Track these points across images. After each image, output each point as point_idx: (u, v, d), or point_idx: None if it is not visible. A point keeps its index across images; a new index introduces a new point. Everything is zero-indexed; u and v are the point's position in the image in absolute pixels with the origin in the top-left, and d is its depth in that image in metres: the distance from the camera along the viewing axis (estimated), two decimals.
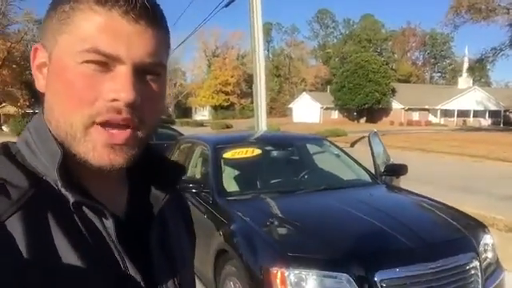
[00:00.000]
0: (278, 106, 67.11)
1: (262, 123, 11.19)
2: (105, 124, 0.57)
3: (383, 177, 4.41)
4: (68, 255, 0.54)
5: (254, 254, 2.81)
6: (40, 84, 0.62)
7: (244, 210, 3.33)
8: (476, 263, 2.76)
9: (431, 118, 50.72)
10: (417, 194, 3.86)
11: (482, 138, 25.04)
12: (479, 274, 2.75)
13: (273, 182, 4.13)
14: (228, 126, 38.53)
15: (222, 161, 4.09)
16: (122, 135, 0.57)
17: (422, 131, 34.07)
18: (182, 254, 0.76)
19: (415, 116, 50.36)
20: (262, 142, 4.88)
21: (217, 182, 3.80)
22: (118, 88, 0.56)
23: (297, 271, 2.50)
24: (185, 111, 72.61)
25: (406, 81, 66.92)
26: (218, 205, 3.54)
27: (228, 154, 4.18)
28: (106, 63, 0.56)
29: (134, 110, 0.57)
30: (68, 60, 0.56)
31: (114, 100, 0.56)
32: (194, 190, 3.85)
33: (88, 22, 0.56)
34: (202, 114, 68.24)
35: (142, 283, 0.61)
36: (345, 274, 2.48)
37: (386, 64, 57.22)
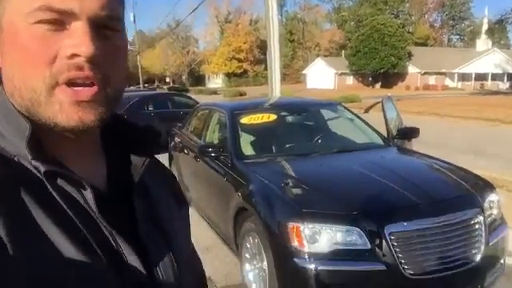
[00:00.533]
0: (292, 73, 66.49)
1: (276, 90, 11.27)
2: (68, 83, 0.54)
3: (395, 140, 4.55)
4: (50, 231, 0.52)
5: (272, 211, 3.04)
6: None
7: (261, 171, 3.54)
8: (480, 218, 2.93)
9: (448, 82, 49.84)
10: (426, 156, 4.02)
11: (500, 101, 24.67)
12: (483, 228, 2.92)
13: (288, 145, 4.32)
14: (241, 94, 38.47)
15: (238, 126, 4.28)
16: (88, 91, 0.55)
17: (439, 96, 33.62)
18: (174, 226, 0.73)
19: (432, 80, 49.51)
20: (277, 107, 5.04)
21: (235, 145, 4.01)
22: (76, 43, 0.53)
23: (311, 225, 2.72)
24: (198, 79, 72.48)
25: (423, 44, 65.39)
26: (237, 167, 3.75)
27: (245, 120, 4.37)
28: (60, 21, 0.53)
29: (95, 66, 0.55)
30: (19, 23, 0.53)
31: (74, 55, 0.53)
32: (212, 154, 4.07)
33: None
34: (216, 82, 68.09)
35: (135, 255, 0.59)
36: (356, 228, 2.69)
37: (403, 27, 55.81)
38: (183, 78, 71.38)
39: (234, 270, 3.88)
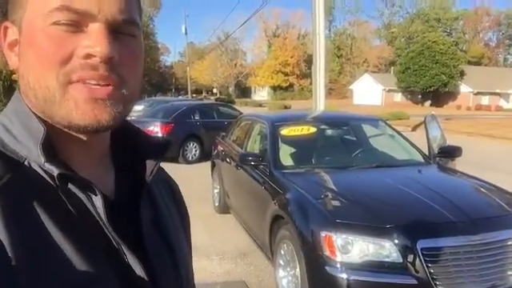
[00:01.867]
0: (338, 88, 66.03)
1: (320, 104, 11.30)
2: (83, 82, 0.54)
3: (437, 159, 4.51)
4: (56, 236, 0.52)
5: (306, 220, 3.13)
6: (12, 61, 0.60)
7: (298, 181, 3.64)
8: None
9: (502, 102, 47.75)
10: (466, 175, 3.97)
11: None
12: None
13: (326, 158, 4.40)
14: (286, 107, 38.57)
15: (279, 137, 4.41)
16: (104, 90, 0.55)
17: (491, 116, 32.28)
18: (178, 236, 0.74)
19: (484, 100, 47.62)
20: (317, 120, 5.14)
21: (274, 155, 4.14)
22: (93, 44, 0.53)
23: (344, 236, 2.78)
24: (244, 91, 73.42)
25: (477, 63, 63.17)
26: (275, 176, 3.88)
27: (285, 131, 4.49)
28: (77, 22, 0.54)
29: (111, 67, 0.55)
30: (37, 23, 0.54)
31: (89, 55, 0.53)
32: (252, 163, 4.22)
33: None
34: (261, 95, 68.72)
35: (139, 264, 0.59)
36: (388, 241, 2.73)
37: (456, 45, 54.35)
38: (230, 89, 72.51)
39: (269, 275, 3.98)
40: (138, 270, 0.59)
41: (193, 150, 10.67)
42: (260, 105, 45.07)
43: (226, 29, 57.57)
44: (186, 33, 43.69)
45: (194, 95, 56.20)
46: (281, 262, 3.46)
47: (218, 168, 6.13)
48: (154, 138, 0.72)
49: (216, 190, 6.19)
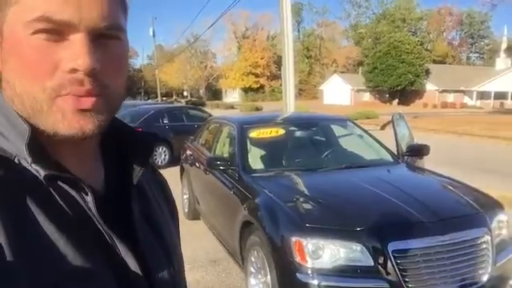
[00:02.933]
0: (309, 88, 66.61)
1: (291, 105, 11.30)
2: (70, 95, 0.55)
3: (406, 157, 4.52)
4: (50, 232, 0.53)
5: (276, 225, 3.04)
6: None
7: (267, 185, 3.56)
8: (487, 238, 2.88)
9: (467, 100, 49.23)
10: (435, 173, 3.98)
11: None
12: (490, 248, 2.88)
13: (296, 160, 4.33)
14: (258, 109, 38.59)
15: (247, 140, 4.31)
16: (89, 101, 0.56)
17: (457, 114, 33.24)
18: (170, 230, 0.75)
19: (450, 98, 48.96)
20: (286, 122, 5.07)
21: (242, 159, 4.04)
22: (75, 56, 0.53)
23: (314, 241, 2.71)
24: (215, 93, 73.14)
25: (442, 62, 64.97)
26: (244, 180, 3.78)
27: (253, 134, 4.40)
28: (59, 31, 0.53)
29: (95, 77, 0.55)
30: (19, 32, 0.53)
31: (73, 70, 0.53)
32: (221, 167, 4.11)
33: None
34: (233, 96, 68.58)
35: (133, 258, 0.60)
36: (359, 244, 2.68)
37: (421, 44, 55.67)
38: (201, 91, 72.07)
39: (240, 283, 3.88)
40: (132, 264, 0.60)
41: (162, 154, 10.46)
42: (232, 107, 44.98)
43: (195, 31, 57.30)
44: (153, 35, 43.09)
45: (165, 98, 55.60)
46: (252, 269, 3.36)
47: (187, 173, 5.99)
48: (140, 134, 0.73)
49: (185, 196, 6.04)
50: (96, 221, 0.58)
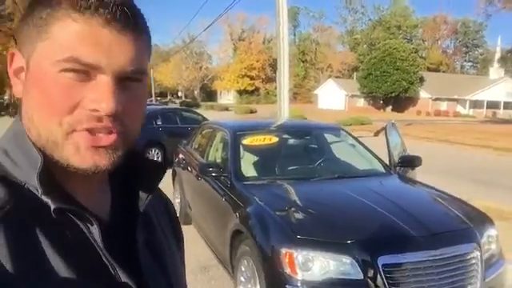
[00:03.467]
0: (303, 92, 66.80)
1: (285, 109, 11.32)
2: (87, 130, 0.56)
3: (398, 168, 4.53)
4: (56, 263, 0.53)
5: (267, 236, 3.03)
6: (17, 89, 0.61)
7: (260, 194, 3.54)
8: (477, 253, 2.89)
9: (460, 108, 49.61)
10: (427, 186, 3.99)
11: (511, 130, 24.49)
12: (479, 263, 2.88)
13: (289, 168, 4.32)
14: (252, 111, 38.68)
15: (241, 147, 4.30)
16: (106, 138, 0.57)
17: (449, 122, 33.49)
18: (174, 259, 0.76)
19: (443, 106, 49.36)
20: (280, 130, 5.06)
21: (235, 166, 4.03)
22: (99, 98, 0.55)
23: (304, 252, 2.70)
24: (210, 94, 73.04)
25: (436, 70, 65.48)
26: (236, 188, 3.76)
27: (247, 141, 4.39)
28: (85, 72, 0.55)
29: (115, 118, 0.56)
30: (46, 68, 0.55)
31: (95, 110, 0.55)
32: (213, 174, 4.09)
33: (67, 31, 0.54)
34: (227, 98, 68.54)
35: (133, 285, 0.60)
36: (349, 257, 2.67)
37: (416, 52, 56.09)
38: (195, 92, 71.95)
39: None
40: None
41: (155, 156, 10.40)
42: (226, 108, 44.97)
43: (191, 31, 57.21)
44: None
45: (159, 98, 55.40)
46: (242, 278, 3.34)
47: (180, 177, 5.96)
48: (149, 162, 0.73)
49: (177, 200, 6.01)
50: (100, 252, 0.58)
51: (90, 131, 0.56)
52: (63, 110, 0.55)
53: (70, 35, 0.54)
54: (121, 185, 0.70)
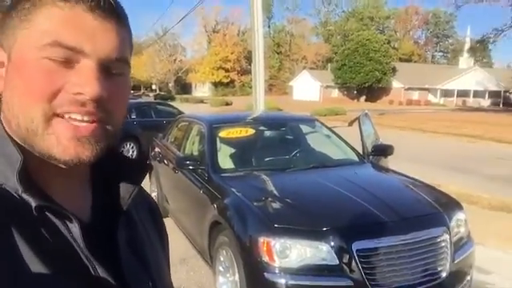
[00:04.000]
0: (279, 84, 66.96)
1: (260, 101, 11.37)
2: (67, 116, 0.55)
3: (371, 157, 4.66)
4: (34, 264, 0.52)
5: (244, 225, 3.09)
6: None
7: (237, 185, 3.59)
8: (446, 236, 3.02)
9: (431, 97, 50.80)
10: (399, 173, 4.13)
11: (480, 118, 25.27)
12: (449, 246, 3.02)
13: (265, 160, 4.38)
14: (228, 103, 38.59)
15: (217, 139, 4.33)
16: (88, 127, 0.56)
17: (421, 111, 34.24)
18: (156, 256, 0.74)
19: (415, 95, 50.40)
20: (256, 122, 5.11)
21: (212, 159, 4.06)
22: (83, 82, 0.54)
23: (282, 240, 2.77)
24: (184, 87, 72.37)
25: (408, 60, 66.66)
26: (213, 180, 3.80)
27: (223, 133, 4.43)
28: (69, 57, 0.54)
29: (98, 104, 0.55)
30: (29, 55, 0.54)
31: (78, 94, 0.54)
32: (190, 167, 4.12)
33: (51, 17, 0.54)
34: (202, 91, 68.10)
35: (114, 285, 0.59)
36: (325, 244, 2.76)
37: (388, 43, 56.96)
38: (170, 85, 71.15)
39: (209, 281, 3.91)
40: None
41: (130, 150, 10.31)
42: (201, 101, 44.71)
43: (165, 24, 56.47)
44: None
45: (132, 92, 54.59)
46: (220, 268, 3.40)
47: (156, 171, 5.94)
48: (131, 160, 0.73)
49: (154, 194, 6.00)
50: (80, 252, 0.57)
51: (71, 116, 0.55)
52: (45, 95, 0.54)
53: (54, 21, 0.54)
54: (102, 184, 0.69)
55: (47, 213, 0.56)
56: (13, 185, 0.54)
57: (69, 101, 0.54)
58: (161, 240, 0.81)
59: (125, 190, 0.68)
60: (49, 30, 0.54)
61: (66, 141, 0.55)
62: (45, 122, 0.54)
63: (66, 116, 0.55)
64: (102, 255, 0.59)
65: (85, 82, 0.54)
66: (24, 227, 0.53)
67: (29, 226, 0.54)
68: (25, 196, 0.54)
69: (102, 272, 0.58)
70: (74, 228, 0.57)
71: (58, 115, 0.55)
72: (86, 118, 0.55)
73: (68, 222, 0.57)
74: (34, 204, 0.54)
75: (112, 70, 0.58)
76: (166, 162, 5.47)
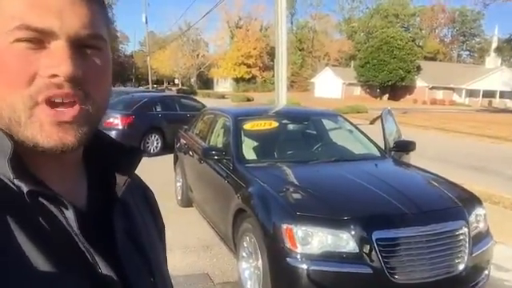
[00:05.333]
0: (300, 80, 66.67)
1: (282, 97, 11.45)
2: (48, 102, 0.54)
3: (393, 152, 4.72)
4: (31, 252, 0.51)
5: (268, 213, 3.22)
6: None
7: (261, 175, 3.73)
8: (465, 230, 3.09)
9: (456, 97, 49.87)
10: (420, 169, 4.19)
11: (506, 119, 24.76)
12: (467, 239, 3.09)
13: (288, 152, 4.51)
14: (249, 99, 38.66)
15: (242, 131, 4.48)
16: (69, 112, 0.55)
17: (445, 110, 33.70)
18: (153, 244, 0.74)
19: (439, 95, 49.59)
20: (280, 115, 5.24)
21: (237, 150, 4.21)
22: (56, 63, 0.53)
23: (304, 228, 2.90)
24: (206, 82, 72.86)
25: (433, 58, 65.53)
26: (238, 170, 3.95)
27: (248, 126, 4.57)
28: (39, 40, 0.53)
29: (76, 84, 0.54)
30: (0, 42, 0.53)
31: (54, 76, 0.53)
32: (216, 157, 4.27)
33: (15, 1, 0.53)
34: (224, 86, 68.39)
35: (112, 274, 0.58)
36: (346, 232, 2.87)
37: (413, 41, 56.19)
38: (192, 80, 71.74)
39: (232, 267, 4.07)
40: (113, 282, 0.58)
41: (154, 142, 10.57)
42: (223, 96, 44.93)
43: (188, 19, 56.85)
44: (146, 22, 42.68)
45: (155, 86, 55.29)
46: (243, 254, 3.54)
47: (181, 161, 6.13)
48: (124, 147, 0.71)
49: (179, 184, 6.20)
50: (77, 238, 0.56)
51: (51, 103, 0.54)
52: (22, 81, 0.53)
53: (19, 4, 0.52)
54: (98, 172, 0.68)
55: (41, 199, 0.55)
56: (5, 172, 0.54)
57: (46, 85, 0.53)
58: (158, 231, 0.81)
59: (120, 177, 0.67)
60: (15, 13, 0.52)
61: (48, 126, 0.54)
62: (27, 110, 0.54)
63: (47, 102, 0.54)
64: (99, 243, 0.58)
65: (57, 63, 0.53)
66: (18, 215, 0.52)
67: (23, 213, 0.53)
68: (17, 182, 0.54)
69: (99, 260, 0.57)
70: (70, 214, 0.56)
71: (38, 104, 0.54)
72: (66, 101, 0.54)
73: (63, 209, 0.56)
74: (26, 189, 0.53)
75: (86, 47, 0.56)
76: (191, 153, 5.64)
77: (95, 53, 0.58)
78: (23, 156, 0.56)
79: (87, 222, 0.58)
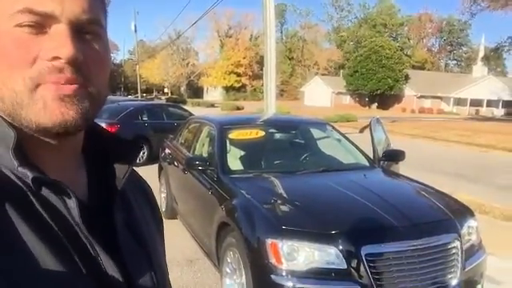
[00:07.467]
0: (290, 89, 66.91)
1: (272, 106, 11.37)
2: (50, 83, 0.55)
3: (382, 162, 4.61)
4: (32, 241, 0.52)
5: (252, 227, 3.07)
6: None
7: (246, 186, 3.58)
8: (457, 243, 2.97)
9: (443, 106, 50.35)
10: (410, 179, 4.07)
11: (493, 128, 24.93)
12: (460, 253, 2.96)
13: (275, 162, 4.37)
14: (239, 108, 38.64)
15: (227, 140, 4.33)
16: (70, 87, 0.56)
17: (434, 119, 33.94)
18: (152, 236, 0.75)
19: (427, 103, 50.01)
20: (266, 124, 5.10)
21: (221, 160, 4.05)
22: (57, 45, 0.54)
23: (290, 243, 2.75)
24: (196, 91, 72.74)
25: (421, 67, 66.22)
26: (222, 181, 3.79)
27: (233, 135, 4.43)
28: (41, 24, 0.54)
29: (76, 68, 0.55)
30: (1, 25, 0.53)
31: (55, 58, 0.54)
32: (200, 168, 4.12)
33: None
34: (214, 95, 68.34)
35: (114, 267, 0.59)
36: (333, 247, 2.72)
37: (401, 50, 56.74)
38: (181, 89, 71.57)
39: (216, 283, 3.89)
40: (113, 272, 0.59)
41: (140, 151, 10.35)
42: (212, 105, 44.88)
43: (178, 27, 56.87)
44: (135, 30, 42.53)
45: (145, 94, 55.04)
46: (227, 269, 3.38)
47: (166, 172, 5.96)
48: (124, 142, 0.72)
49: (163, 195, 6.02)
50: (78, 229, 0.57)
51: (54, 82, 0.55)
52: (23, 63, 0.54)
53: None
54: (97, 166, 0.69)
55: (44, 188, 0.56)
56: (7, 162, 0.54)
57: (48, 69, 0.54)
58: (157, 224, 0.82)
59: (119, 170, 0.68)
60: None
61: (51, 102, 0.55)
62: (28, 92, 0.54)
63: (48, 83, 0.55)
64: (100, 233, 0.59)
65: (59, 45, 0.54)
66: (19, 204, 0.53)
67: (24, 202, 0.54)
68: (21, 170, 0.54)
69: (99, 250, 0.58)
70: (72, 204, 0.57)
71: (40, 85, 0.54)
72: (66, 84, 0.55)
73: (66, 199, 0.57)
74: (30, 176, 0.54)
75: (85, 32, 0.57)
76: (175, 163, 5.48)
77: (94, 39, 0.59)
78: (25, 145, 0.56)
79: (88, 212, 0.58)
